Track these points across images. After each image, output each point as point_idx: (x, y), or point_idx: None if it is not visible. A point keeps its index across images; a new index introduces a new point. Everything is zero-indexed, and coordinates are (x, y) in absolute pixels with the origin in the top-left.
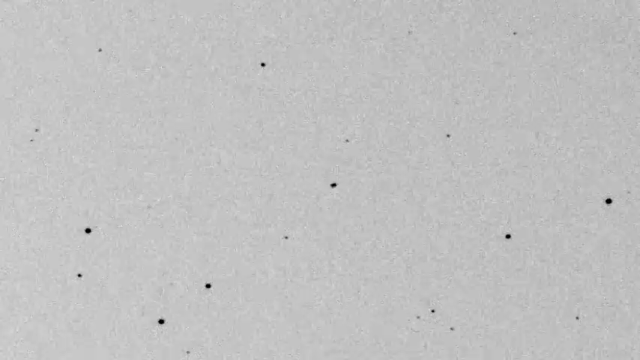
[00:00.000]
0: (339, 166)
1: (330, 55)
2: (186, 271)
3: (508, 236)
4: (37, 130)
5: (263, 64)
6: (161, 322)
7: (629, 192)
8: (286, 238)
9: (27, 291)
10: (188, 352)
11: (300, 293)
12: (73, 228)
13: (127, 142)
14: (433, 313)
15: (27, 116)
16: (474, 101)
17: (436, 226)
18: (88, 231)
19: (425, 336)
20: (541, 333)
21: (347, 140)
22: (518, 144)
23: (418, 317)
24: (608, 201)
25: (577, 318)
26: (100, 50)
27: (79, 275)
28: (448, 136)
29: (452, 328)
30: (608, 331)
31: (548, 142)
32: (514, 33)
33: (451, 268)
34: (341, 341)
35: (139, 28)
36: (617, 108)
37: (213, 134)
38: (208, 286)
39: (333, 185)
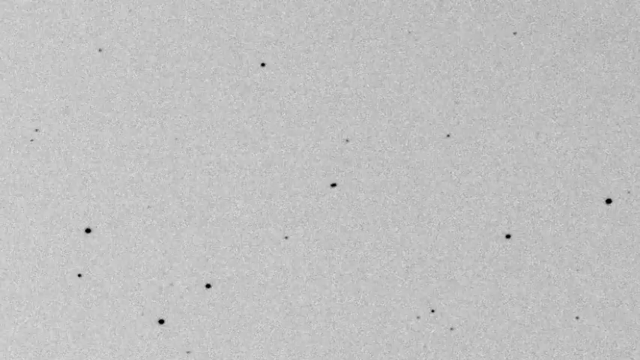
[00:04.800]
0: (339, 166)
1: (330, 55)
2: (186, 271)
3: (508, 236)
4: (37, 130)
5: (263, 64)
6: (161, 322)
7: (629, 192)
8: (286, 238)
9: (27, 291)
10: (188, 352)
11: (300, 293)
12: (73, 228)
13: (127, 142)
14: (433, 313)
15: (27, 116)
16: (474, 101)
17: (436, 226)
18: (88, 231)
19: (425, 336)
20: (541, 333)
21: (347, 140)
22: (518, 144)
23: (418, 317)
24: (608, 201)
25: (577, 318)
26: (100, 50)
27: (79, 275)
28: (448, 136)
29: (452, 328)
30: (608, 331)
31: (548, 142)
32: (514, 33)
33: (451, 268)
34: (341, 341)
35: (139, 28)
36: (617, 108)
37: (213, 134)
38: (208, 286)
39: (333, 185)
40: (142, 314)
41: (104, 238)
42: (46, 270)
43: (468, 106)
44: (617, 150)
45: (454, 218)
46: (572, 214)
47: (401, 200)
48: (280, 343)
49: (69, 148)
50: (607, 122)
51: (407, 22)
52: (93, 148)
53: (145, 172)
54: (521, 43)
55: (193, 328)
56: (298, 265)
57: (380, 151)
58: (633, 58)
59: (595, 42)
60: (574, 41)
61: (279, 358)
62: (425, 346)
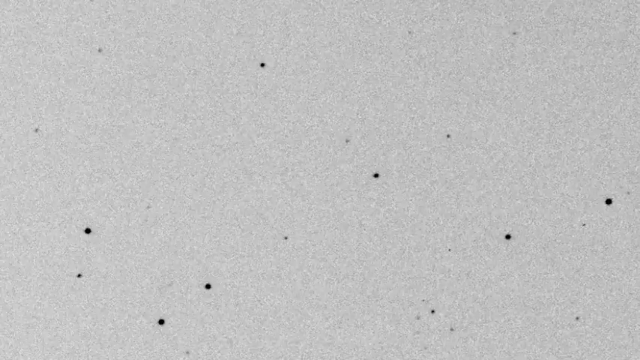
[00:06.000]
0: (338, 165)
1: (330, 55)
2: (186, 271)
3: (508, 236)
4: (36, 130)
5: (263, 64)
6: (161, 322)
7: (629, 192)
8: (286, 238)
9: (27, 291)
10: (188, 352)
11: (300, 293)
12: (73, 228)
13: (127, 142)
14: (433, 313)
15: (27, 116)
16: (474, 101)
17: (436, 226)
18: (88, 231)
19: (425, 336)
20: (541, 333)
21: (347, 140)
22: (519, 144)
23: (418, 317)
24: (608, 201)
25: (577, 318)
26: (100, 50)
27: (79, 275)
28: (448, 136)
29: (452, 328)
30: (608, 331)
31: (549, 142)
32: (514, 33)
33: (451, 268)
34: (341, 341)
35: (139, 28)
36: (617, 108)
37: (213, 134)
38: (208, 286)
39: (333, 185)
40: (142, 314)
41: (104, 238)
42: (46, 270)
43: (468, 106)
44: (617, 150)
45: (454, 218)
46: (572, 214)
47: (400, 200)
48: (280, 343)
49: (69, 148)
50: (607, 122)
51: (407, 22)
52: (93, 148)
53: (145, 172)
54: (521, 43)
55: (193, 328)
56: (298, 265)
57: (380, 151)
58: (633, 58)
59: (595, 42)
60: (574, 41)
61: (279, 358)
62: (425, 346)
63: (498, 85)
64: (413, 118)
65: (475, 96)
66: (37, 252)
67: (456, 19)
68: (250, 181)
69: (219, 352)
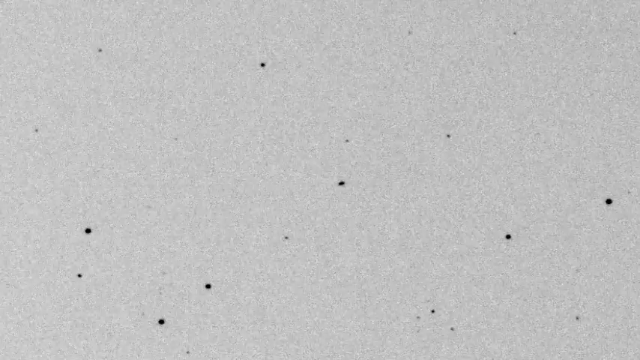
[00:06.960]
0: (338, 166)
1: (330, 55)
2: (186, 271)
3: (508, 236)
4: (36, 131)
5: (263, 64)
6: (161, 322)
7: (629, 192)
8: (286, 238)
9: (27, 291)
10: (188, 352)
11: (300, 293)
12: (73, 228)
13: (127, 142)
14: (433, 313)
15: (26, 116)
16: (474, 101)
17: (436, 226)
18: (88, 231)
19: (425, 336)
20: (541, 333)
21: (347, 140)
22: (518, 144)
23: (418, 317)
24: (608, 201)
25: (577, 318)
26: (100, 50)
27: (79, 275)
28: (448, 136)
29: (452, 328)
30: (608, 331)
31: (548, 142)
32: (514, 33)
33: (451, 268)
34: (341, 341)
35: (139, 28)
36: (617, 108)
37: (213, 134)
38: (208, 286)
39: (333, 185)
40: (142, 314)
41: (104, 238)
42: (46, 270)
43: (468, 106)
44: (617, 150)
45: (454, 218)
46: (572, 214)
47: (401, 200)
48: (280, 343)
49: (68, 148)
50: (607, 122)
51: (407, 22)
52: (93, 148)
53: (145, 172)
54: (521, 43)
55: (193, 328)
56: (298, 266)
57: (380, 151)
58: (633, 58)
59: (596, 42)
60: (574, 41)
61: (279, 358)
62: (425, 346)
63: (498, 85)
64: (413, 118)
65: (475, 96)
66: (37, 252)
67: (456, 19)
68: (250, 181)
69: (219, 352)
